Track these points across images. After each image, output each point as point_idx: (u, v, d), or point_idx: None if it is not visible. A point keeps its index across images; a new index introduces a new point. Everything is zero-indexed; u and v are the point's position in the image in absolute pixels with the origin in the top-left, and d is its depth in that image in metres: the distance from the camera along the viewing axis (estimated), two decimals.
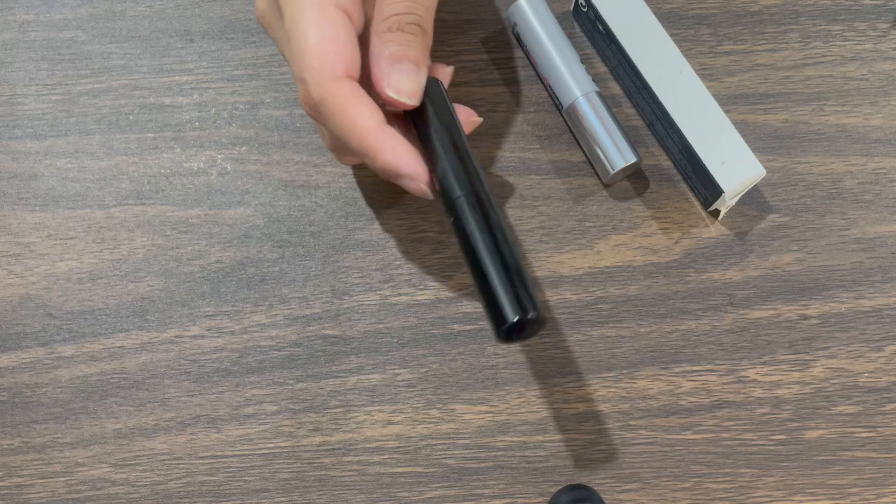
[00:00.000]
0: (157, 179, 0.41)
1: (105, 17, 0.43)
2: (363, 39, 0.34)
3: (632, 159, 0.39)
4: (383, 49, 0.33)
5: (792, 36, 0.42)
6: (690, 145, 0.38)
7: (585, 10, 0.41)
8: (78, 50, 0.42)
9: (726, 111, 0.39)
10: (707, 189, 0.39)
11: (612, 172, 0.39)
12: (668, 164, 0.41)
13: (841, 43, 0.42)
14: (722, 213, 0.40)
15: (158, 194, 0.41)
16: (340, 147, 0.35)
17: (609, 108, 0.39)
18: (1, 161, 0.41)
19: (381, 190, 0.40)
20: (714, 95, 0.39)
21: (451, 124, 0.34)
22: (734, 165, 0.38)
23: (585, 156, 0.41)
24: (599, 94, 0.40)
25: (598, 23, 0.40)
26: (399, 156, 0.32)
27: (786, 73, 0.42)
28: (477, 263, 0.31)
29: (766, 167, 0.38)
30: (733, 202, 0.39)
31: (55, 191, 0.41)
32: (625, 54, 0.39)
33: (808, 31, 0.42)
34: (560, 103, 0.40)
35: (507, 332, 0.30)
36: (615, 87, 0.42)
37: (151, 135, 0.41)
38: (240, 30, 0.42)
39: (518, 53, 0.42)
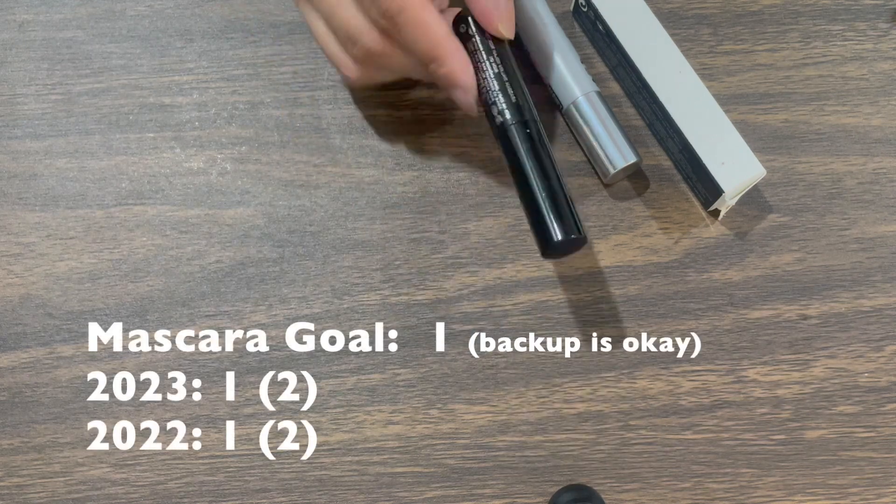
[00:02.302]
0: (157, 179, 0.41)
1: (105, 17, 0.43)
2: None
3: (632, 159, 0.39)
4: None
5: (792, 36, 0.42)
6: (690, 145, 0.38)
7: (585, 10, 0.41)
8: (78, 50, 0.42)
9: (726, 111, 0.39)
10: (707, 189, 0.39)
11: (612, 172, 0.39)
12: (668, 164, 0.41)
13: (841, 43, 0.42)
14: (722, 213, 0.40)
15: (158, 194, 0.41)
16: (375, 57, 0.36)
17: (609, 108, 0.39)
18: (1, 161, 0.41)
19: (380, 190, 0.40)
20: (714, 95, 0.39)
21: (505, 49, 0.37)
22: (734, 165, 0.38)
23: (585, 156, 0.41)
24: (599, 94, 0.39)
25: (598, 23, 0.40)
26: (462, 65, 0.35)
27: (786, 73, 0.42)
28: (527, 186, 0.35)
29: (766, 167, 0.38)
30: (733, 202, 0.39)
31: (55, 191, 0.41)
32: (625, 54, 0.39)
33: (808, 31, 0.42)
34: (560, 103, 0.40)
35: (552, 249, 0.34)
36: (615, 87, 0.42)
37: (151, 135, 0.41)
38: (240, 30, 0.42)
39: (518, 53, 0.42)
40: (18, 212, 0.40)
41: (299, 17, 0.43)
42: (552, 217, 0.34)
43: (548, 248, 0.34)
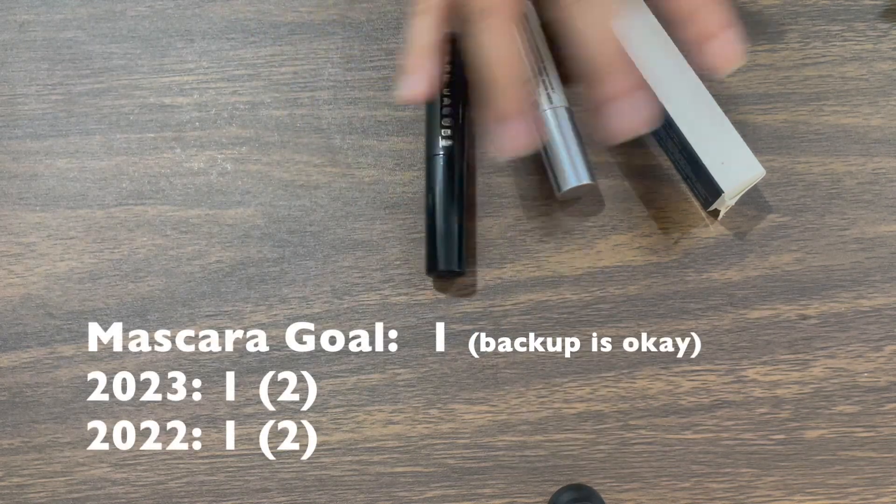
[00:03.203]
0: (158, 179, 0.41)
1: (105, 17, 0.43)
2: None
3: (573, 183, 0.38)
4: None
5: (791, 36, 0.42)
6: (690, 145, 0.38)
7: None
8: (78, 50, 0.42)
9: (726, 111, 0.39)
10: (707, 189, 0.39)
11: (558, 194, 0.39)
12: (667, 164, 0.41)
13: (840, 43, 0.42)
14: (721, 213, 0.40)
15: (159, 194, 0.41)
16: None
17: (573, 125, 0.39)
18: (1, 161, 0.41)
19: (380, 190, 0.41)
20: (714, 95, 0.39)
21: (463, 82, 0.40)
22: (734, 165, 0.38)
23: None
24: (569, 110, 0.39)
25: None
26: (428, 71, 0.36)
27: (785, 73, 0.42)
28: (431, 213, 0.39)
29: (765, 167, 0.38)
30: (733, 202, 0.39)
31: (55, 191, 0.41)
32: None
33: (808, 31, 0.42)
34: None
35: (433, 274, 0.39)
36: None
37: (152, 135, 0.41)
38: (240, 30, 0.43)
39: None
40: (19, 212, 0.40)
41: (299, 18, 0.43)
42: (441, 247, 0.38)
43: (431, 270, 0.39)
